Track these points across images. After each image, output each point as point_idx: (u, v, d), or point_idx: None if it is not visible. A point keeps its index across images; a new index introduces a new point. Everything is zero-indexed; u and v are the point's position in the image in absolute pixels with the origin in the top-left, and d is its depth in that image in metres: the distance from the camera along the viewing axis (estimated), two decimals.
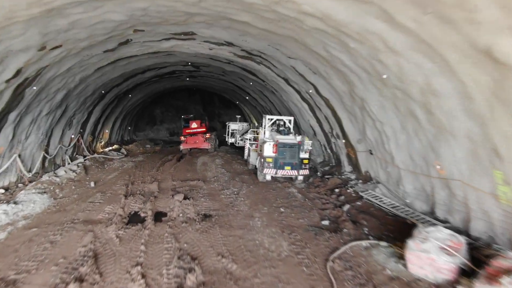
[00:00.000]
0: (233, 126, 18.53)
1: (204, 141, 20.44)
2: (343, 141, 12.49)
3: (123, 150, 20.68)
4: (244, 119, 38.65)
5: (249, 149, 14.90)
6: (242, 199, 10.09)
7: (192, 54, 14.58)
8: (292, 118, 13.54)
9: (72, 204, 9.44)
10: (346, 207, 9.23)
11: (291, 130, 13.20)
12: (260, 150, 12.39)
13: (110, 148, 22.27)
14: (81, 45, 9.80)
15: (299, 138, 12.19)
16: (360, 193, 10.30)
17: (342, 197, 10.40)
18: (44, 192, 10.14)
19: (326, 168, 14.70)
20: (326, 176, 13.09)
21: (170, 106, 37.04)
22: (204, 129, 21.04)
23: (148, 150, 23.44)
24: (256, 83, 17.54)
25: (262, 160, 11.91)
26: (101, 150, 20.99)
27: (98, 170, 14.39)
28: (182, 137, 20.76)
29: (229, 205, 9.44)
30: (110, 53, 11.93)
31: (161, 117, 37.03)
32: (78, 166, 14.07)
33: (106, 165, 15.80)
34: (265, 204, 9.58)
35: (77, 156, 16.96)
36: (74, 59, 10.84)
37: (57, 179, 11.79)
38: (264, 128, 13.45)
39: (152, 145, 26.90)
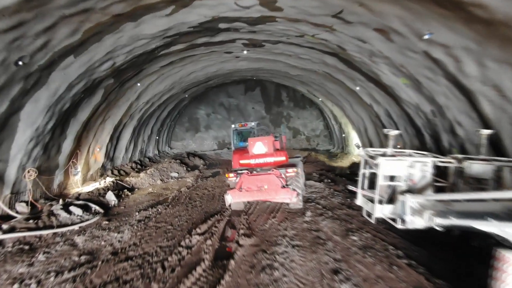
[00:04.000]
0: (394, 168, 5.05)
1: (283, 186, 8.60)
2: None
3: (110, 195, 9.73)
4: (329, 134, 23.63)
5: None
6: None
7: None
8: None
9: None
10: None
11: None
12: None
13: (100, 183, 11.66)
14: None
15: None
16: None
17: None
18: None
19: None
20: None
21: (218, 105, 26.25)
22: (283, 158, 8.74)
23: (168, 188, 12.20)
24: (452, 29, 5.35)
25: None
26: (76, 192, 10.49)
27: None
28: (230, 174, 8.77)
29: None
30: None
31: (206, 121, 26.40)
32: None
33: None
34: None
35: None
36: None
37: None
38: None
39: (184, 171, 15.79)
